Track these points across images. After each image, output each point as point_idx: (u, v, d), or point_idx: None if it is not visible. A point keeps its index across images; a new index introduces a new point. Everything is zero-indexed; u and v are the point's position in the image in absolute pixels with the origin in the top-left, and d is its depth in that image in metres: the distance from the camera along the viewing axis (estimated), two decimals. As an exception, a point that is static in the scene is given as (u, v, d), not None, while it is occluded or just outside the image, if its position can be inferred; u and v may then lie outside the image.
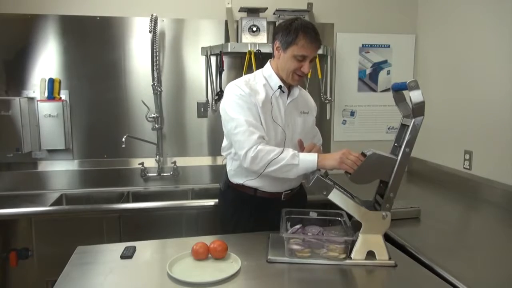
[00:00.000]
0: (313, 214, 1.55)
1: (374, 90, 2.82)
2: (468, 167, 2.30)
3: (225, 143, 1.74)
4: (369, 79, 2.81)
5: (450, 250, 1.51)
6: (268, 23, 2.51)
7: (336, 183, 1.43)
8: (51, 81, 2.40)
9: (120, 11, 2.47)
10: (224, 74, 2.53)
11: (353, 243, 1.38)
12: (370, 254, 1.37)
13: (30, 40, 2.39)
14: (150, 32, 2.40)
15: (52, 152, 2.46)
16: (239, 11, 2.53)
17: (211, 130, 2.64)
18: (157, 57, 2.47)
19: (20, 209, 2.07)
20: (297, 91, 1.70)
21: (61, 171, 2.49)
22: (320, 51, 2.43)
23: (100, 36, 2.46)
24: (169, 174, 2.59)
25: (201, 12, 2.55)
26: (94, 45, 2.46)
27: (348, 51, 2.76)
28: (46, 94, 2.39)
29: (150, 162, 2.58)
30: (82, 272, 1.29)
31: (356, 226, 1.42)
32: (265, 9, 2.49)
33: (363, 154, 1.39)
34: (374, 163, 1.37)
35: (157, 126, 2.55)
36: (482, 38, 2.20)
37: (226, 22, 2.56)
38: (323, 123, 2.71)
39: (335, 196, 1.39)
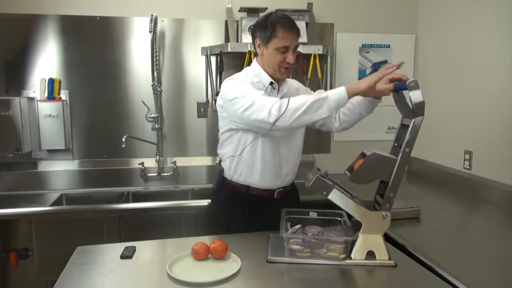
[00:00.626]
0: (313, 214, 1.55)
1: (374, 90, 2.82)
2: (468, 167, 2.30)
3: (220, 141, 1.74)
4: (369, 79, 2.81)
5: (450, 250, 1.51)
6: (268, 23, 2.51)
7: (336, 183, 1.43)
8: (51, 81, 2.40)
9: (120, 11, 2.47)
10: (224, 74, 2.53)
11: (353, 243, 1.38)
12: (370, 254, 1.37)
13: (30, 40, 2.39)
14: (150, 32, 2.40)
15: (52, 152, 2.46)
16: (239, 11, 2.53)
17: (211, 130, 2.64)
18: (157, 57, 2.47)
19: (20, 209, 2.07)
20: (285, 86, 1.71)
21: (61, 171, 2.49)
22: (320, 51, 2.44)
23: (100, 36, 2.46)
24: (169, 174, 2.59)
25: (201, 12, 2.55)
26: (94, 45, 2.46)
27: (348, 51, 2.76)
28: (46, 94, 2.39)
29: (150, 162, 2.58)
30: (82, 272, 1.29)
31: (356, 226, 1.42)
32: (265, 9, 2.49)
33: (363, 154, 1.39)
34: (374, 163, 1.37)
35: (157, 126, 2.55)
36: (482, 38, 2.20)
37: (226, 22, 2.56)
38: (323, 123, 2.71)
39: (335, 196, 1.38)
